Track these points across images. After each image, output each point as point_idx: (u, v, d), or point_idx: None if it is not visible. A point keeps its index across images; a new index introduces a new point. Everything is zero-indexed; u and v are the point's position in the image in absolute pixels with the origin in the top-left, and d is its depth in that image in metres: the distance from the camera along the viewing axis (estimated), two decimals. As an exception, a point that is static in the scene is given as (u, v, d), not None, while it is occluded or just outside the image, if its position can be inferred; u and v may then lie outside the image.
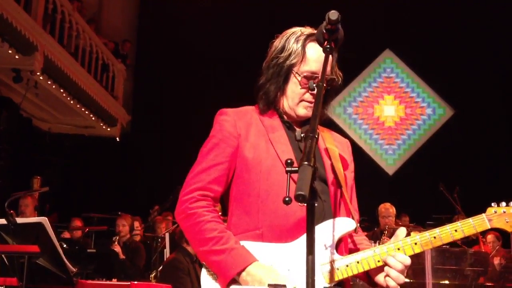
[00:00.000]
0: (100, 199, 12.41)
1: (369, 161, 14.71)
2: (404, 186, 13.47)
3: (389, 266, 2.01)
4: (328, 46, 1.89)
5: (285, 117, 2.26)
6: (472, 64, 13.84)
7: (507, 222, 2.07)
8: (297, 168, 1.43)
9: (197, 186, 2.11)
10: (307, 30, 2.25)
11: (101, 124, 13.28)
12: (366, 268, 2.03)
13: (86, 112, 12.46)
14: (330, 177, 2.18)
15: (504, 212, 2.07)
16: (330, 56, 2.06)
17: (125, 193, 13.56)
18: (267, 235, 2.05)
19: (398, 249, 2.03)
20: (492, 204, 2.10)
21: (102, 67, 13.31)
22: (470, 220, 2.05)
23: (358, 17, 13.35)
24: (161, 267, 6.64)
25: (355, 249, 2.19)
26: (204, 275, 2.06)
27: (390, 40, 14.93)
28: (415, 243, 2.03)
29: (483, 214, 2.07)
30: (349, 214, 2.16)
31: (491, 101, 13.62)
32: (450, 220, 9.50)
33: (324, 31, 1.89)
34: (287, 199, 1.49)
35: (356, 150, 15.20)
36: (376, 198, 9.12)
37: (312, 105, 2.18)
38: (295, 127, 2.25)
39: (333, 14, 1.84)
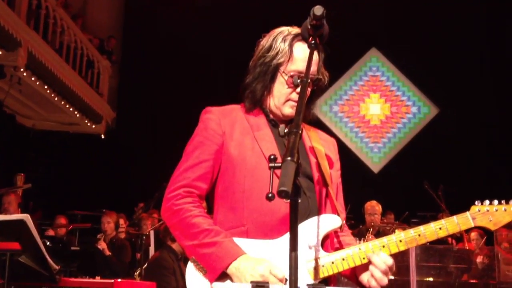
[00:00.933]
0: (85, 197, 12.32)
1: (354, 159, 14.77)
2: (389, 184, 13.53)
3: (373, 264, 2.02)
4: (313, 42, 1.88)
5: (271, 115, 2.27)
6: (457, 64, 13.94)
7: (490, 220, 2.09)
8: (280, 164, 1.42)
9: (183, 183, 2.12)
10: (294, 29, 2.24)
11: (86, 121, 13.18)
12: (352, 265, 2.04)
13: (71, 109, 12.36)
14: (316, 174, 2.19)
15: (488, 210, 2.10)
16: (316, 52, 2.10)
17: (110, 191, 13.47)
18: (252, 231, 2.05)
19: (383, 246, 2.04)
20: (476, 202, 2.12)
21: (87, 64, 13.21)
22: (454, 218, 2.08)
23: (344, 15, 13.37)
24: (145, 265, 6.60)
25: (340, 248, 2.19)
26: (190, 271, 2.04)
27: (376, 38, 14.98)
28: (400, 241, 2.05)
29: (467, 212, 2.10)
30: (335, 211, 2.16)
31: (475, 100, 13.72)
32: (435, 218, 9.55)
33: (309, 27, 1.89)
34: (270, 195, 1.48)
35: (342, 148, 15.20)
36: (361, 196, 9.15)
37: None
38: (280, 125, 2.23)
39: (318, 10, 1.83)
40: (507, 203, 2.10)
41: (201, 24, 14.44)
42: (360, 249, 2.04)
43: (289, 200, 1.93)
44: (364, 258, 2.03)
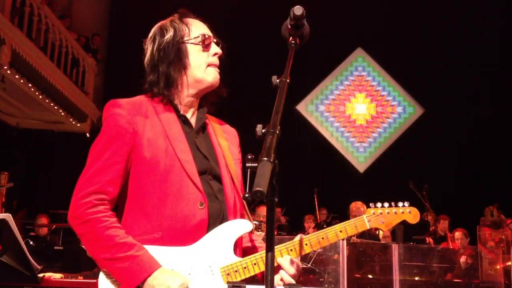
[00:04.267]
0: (69, 196, 12.21)
1: (340, 158, 14.82)
2: (375, 183, 13.59)
3: (283, 269, 2.07)
4: (293, 42, 1.88)
5: (181, 111, 2.20)
6: (442, 64, 14.05)
7: (382, 222, 2.27)
8: (256, 165, 1.41)
9: (93, 189, 2.01)
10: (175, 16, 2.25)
11: (71, 120, 13.08)
12: (263, 269, 2.06)
13: (56, 107, 12.26)
14: (224, 176, 2.18)
15: (381, 213, 2.27)
16: (204, 23, 2.21)
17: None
18: (166, 238, 2.00)
19: (291, 250, 2.11)
20: (370, 204, 2.28)
21: (72, 62, 13.11)
22: (353, 221, 2.23)
23: (330, 15, 13.42)
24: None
25: (252, 247, 2.24)
26: (103, 281, 1.99)
27: (362, 38, 15.04)
28: (306, 244, 2.14)
29: (363, 215, 2.25)
30: (244, 215, 2.20)
31: (460, 100, 13.84)
32: (420, 217, 9.61)
33: (289, 27, 1.88)
34: (246, 195, 1.48)
35: (328, 147, 15.29)
36: (347, 195, 9.18)
37: (218, 70, 2.20)
38: (190, 120, 2.20)
39: (298, 9, 1.82)
40: (396, 205, 2.29)
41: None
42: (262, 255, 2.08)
43: (203, 207, 2.02)
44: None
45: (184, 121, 2.18)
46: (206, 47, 2.18)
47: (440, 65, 14.05)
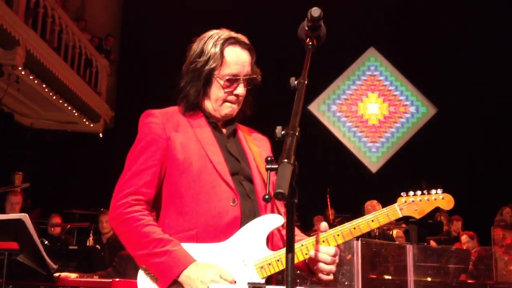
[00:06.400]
0: (82, 195, 12.31)
1: (352, 158, 14.78)
2: (387, 183, 13.54)
3: (318, 260, 2.12)
4: (310, 43, 1.88)
5: (210, 118, 2.31)
6: (455, 64, 13.96)
7: (415, 210, 2.27)
8: (276, 166, 1.42)
9: (130, 190, 2.14)
10: (225, 33, 2.30)
11: (84, 120, 13.16)
12: (296, 261, 2.11)
13: (69, 108, 12.34)
14: (256, 177, 2.26)
15: (413, 201, 2.27)
16: (248, 53, 2.25)
17: (107, 190, 13.45)
18: (201, 235, 2.11)
19: (323, 241, 2.14)
20: (402, 194, 2.28)
21: (85, 62, 13.20)
22: (384, 210, 2.24)
23: (342, 14, 13.38)
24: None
25: (283, 241, 2.27)
26: (142, 277, 2.09)
27: (374, 38, 14.99)
28: (338, 234, 2.16)
29: (395, 204, 2.25)
30: (276, 211, 2.25)
31: (473, 100, 13.74)
32: (433, 217, 9.58)
33: (306, 28, 1.89)
34: (266, 197, 1.50)
35: (340, 147, 15.25)
36: (359, 196, 9.15)
37: (235, 105, 2.27)
38: (221, 128, 2.32)
39: (315, 11, 1.83)
40: (428, 193, 2.28)
41: (199, 23, 14.43)
42: (302, 245, 2.13)
43: (236, 204, 2.10)
44: (306, 254, 2.12)
45: (214, 127, 2.30)
46: (227, 87, 2.24)
47: (453, 65, 13.97)
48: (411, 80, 15.08)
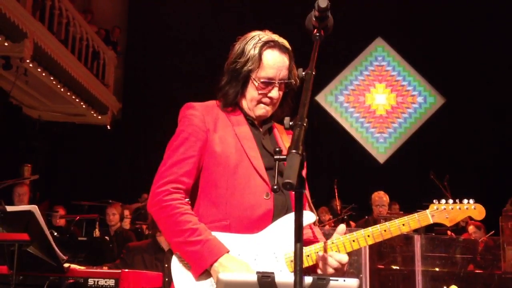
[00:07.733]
0: (91, 187, 12.37)
1: (360, 149, 14.76)
2: (395, 174, 13.53)
3: (329, 266, 2.16)
4: (317, 34, 1.89)
5: (248, 114, 2.38)
6: (463, 53, 13.87)
7: (446, 217, 2.32)
8: (285, 156, 1.44)
9: (170, 179, 2.20)
10: (266, 35, 2.34)
11: (92, 112, 13.20)
12: (310, 263, 2.20)
13: (77, 100, 12.37)
14: None
15: (444, 208, 2.31)
16: (286, 57, 2.29)
17: (116, 181, 13.53)
18: (234, 226, 2.17)
19: (353, 240, 2.20)
20: (434, 201, 2.32)
21: (93, 55, 13.22)
22: (416, 215, 2.29)
23: (349, 5, 13.33)
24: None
25: (315, 241, 2.33)
26: (176, 263, 2.16)
27: (381, 28, 14.92)
28: (368, 235, 2.22)
29: (426, 210, 2.31)
30: (309, 207, 2.32)
31: (482, 90, 13.67)
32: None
33: (314, 19, 1.89)
34: (275, 187, 1.52)
35: (347, 138, 15.19)
36: (366, 186, 9.15)
37: (269, 107, 2.33)
38: (257, 125, 2.38)
39: (323, 2, 1.84)
40: (460, 202, 2.34)
41: (206, 13, 14.42)
42: (333, 242, 2.20)
43: (269, 198, 2.16)
44: (336, 251, 2.19)
45: (251, 123, 2.37)
46: (262, 89, 2.30)
47: (461, 55, 13.88)
48: (419, 70, 15.01)
